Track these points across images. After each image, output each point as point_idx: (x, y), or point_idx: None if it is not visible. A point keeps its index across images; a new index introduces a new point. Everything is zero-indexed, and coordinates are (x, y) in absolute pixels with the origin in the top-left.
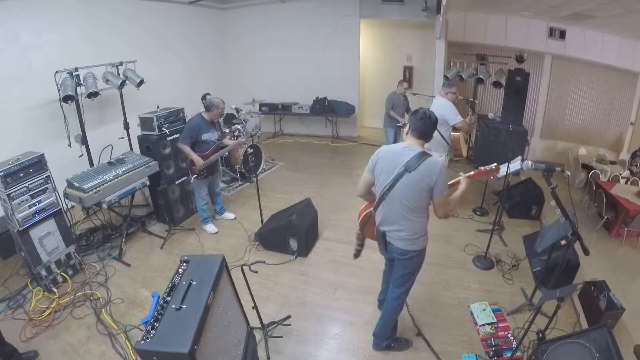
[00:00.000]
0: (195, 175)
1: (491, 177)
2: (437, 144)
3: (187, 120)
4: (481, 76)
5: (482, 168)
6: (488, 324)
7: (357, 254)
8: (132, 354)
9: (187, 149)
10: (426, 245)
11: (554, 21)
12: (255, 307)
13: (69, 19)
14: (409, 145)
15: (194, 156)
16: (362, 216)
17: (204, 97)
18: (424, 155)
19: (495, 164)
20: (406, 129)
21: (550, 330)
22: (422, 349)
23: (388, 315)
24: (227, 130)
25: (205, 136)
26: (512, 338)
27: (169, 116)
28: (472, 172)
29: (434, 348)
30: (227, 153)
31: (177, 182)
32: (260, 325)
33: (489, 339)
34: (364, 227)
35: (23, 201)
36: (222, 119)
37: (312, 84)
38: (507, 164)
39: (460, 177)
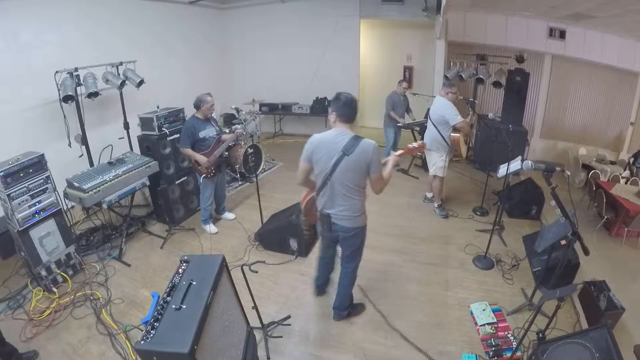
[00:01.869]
0: (203, 175)
1: (418, 154)
2: (437, 144)
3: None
4: (481, 76)
5: (410, 145)
6: (488, 324)
7: (310, 241)
8: (132, 354)
9: (188, 151)
10: (366, 223)
11: (554, 21)
12: (255, 307)
13: (69, 19)
14: (341, 132)
15: (198, 156)
16: (305, 203)
17: None
18: (357, 138)
19: (422, 141)
20: (332, 117)
21: (550, 330)
22: (422, 349)
23: (345, 290)
24: (227, 130)
25: (202, 133)
26: (512, 338)
27: (169, 116)
28: (401, 151)
29: (436, 348)
30: (227, 153)
31: (177, 182)
32: (260, 325)
33: (489, 339)
34: (308, 213)
35: (23, 201)
36: (221, 117)
37: (312, 84)
38: (507, 164)
39: (389, 157)
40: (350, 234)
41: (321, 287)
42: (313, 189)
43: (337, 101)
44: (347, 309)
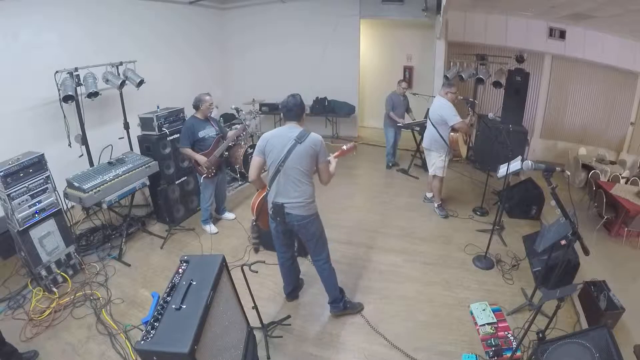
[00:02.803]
0: (204, 175)
1: (353, 154)
2: (436, 145)
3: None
4: (481, 76)
5: (344, 147)
6: (488, 324)
7: (257, 248)
8: (132, 354)
9: (188, 151)
10: (317, 211)
11: (554, 21)
12: (255, 307)
13: (69, 18)
14: (291, 126)
15: (197, 156)
16: (257, 204)
17: None
18: (307, 131)
19: (353, 143)
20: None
21: (550, 330)
22: (422, 349)
23: (328, 281)
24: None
25: (201, 133)
26: (512, 338)
27: (169, 116)
28: (337, 152)
29: (436, 348)
30: (227, 153)
31: (177, 182)
32: (260, 325)
33: (489, 339)
34: (260, 214)
35: (23, 201)
36: (221, 117)
37: (312, 84)
38: (507, 164)
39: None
40: (304, 221)
41: (292, 294)
42: (263, 189)
43: (286, 105)
44: (341, 300)
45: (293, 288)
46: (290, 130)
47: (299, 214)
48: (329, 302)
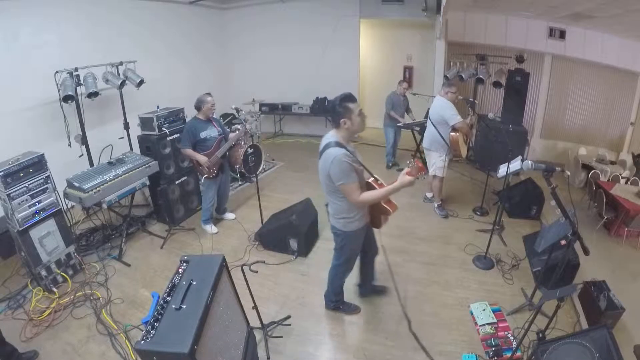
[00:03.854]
0: (205, 176)
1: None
2: (437, 145)
3: (187, 120)
4: (481, 76)
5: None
6: (488, 324)
7: None
8: (132, 354)
9: (189, 152)
10: (351, 230)
11: (554, 21)
12: (255, 307)
13: (69, 19)
14: (328, 135)
15: (198, 156)
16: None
17: None
18: (327, 146)
19: (415, 165)
20: None
21: (550, 330)
22: (422, 349)
23: (329, 281)
24: (228, 129)
25: (203, 134)
26: (512, 338)
27: (169, 116)
28: (390, 186)
29: (436, 348)
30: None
31: (177, 182)
32: (260, 325)
33: (489, 339)
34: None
35: (23, 201)
36: (220, 117)
37: (312, 84)
38: (507, 164)
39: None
40: (334, 232)
41: (360, 287)
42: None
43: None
44: (332, 302)
45: (361, 282)
46: (325, 138)
47: (331, 223)
48: (324, 295)
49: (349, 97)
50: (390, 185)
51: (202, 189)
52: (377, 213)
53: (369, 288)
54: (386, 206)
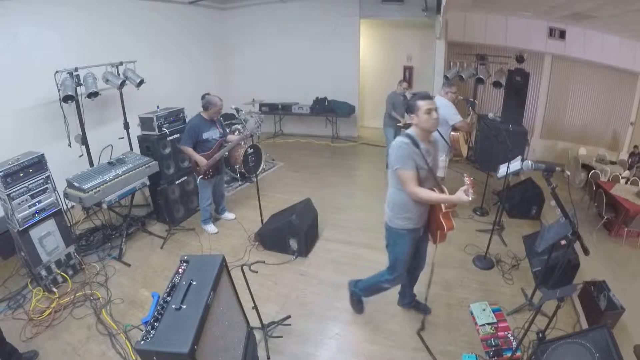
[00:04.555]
0: (201, 176)
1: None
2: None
3: (187, 120)
4: (481, 76)
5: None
6: (488, 324)
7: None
8: (132, 354)
9: (189, 150)
10: (395, 227)
11: (554, 21)
12: (255, 307)
13: (69, 19)
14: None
15: (197, 157)
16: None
17: (203, 97)
18: (405, 133)
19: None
20: None
21: (550, 330)
22: (422, 349)
23: (370, 277)
24: (228, 130)
25: (206, 135)
26: (512, 338)
27: (169, 116)
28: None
29: (436, 348)
30: (227, 153)
31: (177, 182)
32: (260, 325)
33: (489, 339)
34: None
35: (23, 201)
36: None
37: (312, 84)
38: (507, 164)
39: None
40: (385, 226)
41: (402, 297)
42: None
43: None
44: (354, 293)
45: (403, 293)
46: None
47: (385, 221)
48: (354, 280)
49: (421, 95)
50: (448, 195)
51: (198, 189)
52: (434, 224)
53: (410, 301)
54: (443, 221)
